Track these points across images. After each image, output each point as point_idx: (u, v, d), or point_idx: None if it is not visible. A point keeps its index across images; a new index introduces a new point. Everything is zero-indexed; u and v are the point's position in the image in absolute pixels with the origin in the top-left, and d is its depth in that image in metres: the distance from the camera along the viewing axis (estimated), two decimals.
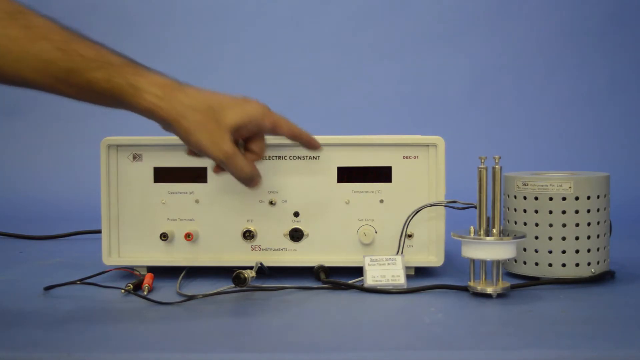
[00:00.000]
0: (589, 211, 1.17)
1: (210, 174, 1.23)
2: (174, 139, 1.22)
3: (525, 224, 1.19)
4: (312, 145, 1.13)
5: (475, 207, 1.12)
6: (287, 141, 1.22)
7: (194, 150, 1.01)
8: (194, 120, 0.97)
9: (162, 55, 2.27)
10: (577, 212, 1.17)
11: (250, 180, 1.05)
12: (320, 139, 1.22)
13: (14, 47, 0.90)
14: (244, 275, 1.12)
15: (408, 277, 1.17)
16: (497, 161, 1.10)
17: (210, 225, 1.23)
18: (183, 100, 0.97)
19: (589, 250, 1.18)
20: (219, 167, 1.05)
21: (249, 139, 1.08)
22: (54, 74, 0.92)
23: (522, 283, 1.16)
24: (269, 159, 1.22)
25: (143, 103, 0.95)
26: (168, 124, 0.98)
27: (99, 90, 0.93)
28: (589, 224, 1.18)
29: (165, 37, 2.29)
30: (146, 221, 1.24)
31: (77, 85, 0.93)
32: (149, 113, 0.96)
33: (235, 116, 1.01)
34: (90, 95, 0.95)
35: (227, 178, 1.22)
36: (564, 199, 1.17)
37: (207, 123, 0.98)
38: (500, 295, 1.09)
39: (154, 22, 2.29)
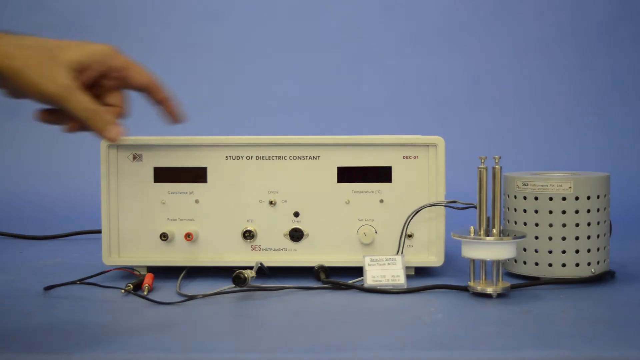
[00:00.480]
0: (589, 211, 1.17)
1: (210, 174, 1.22)
2: (174, 139, 1.23)
3: (525, 224, 1.19)
4: (172, 111, 0.99)
5: (475, 207, 1.12)
6: (288, 142, 1.23)
7: (27, 93, 0.87)
8: (24, 57, 0.85)
9: (159, 53, 2.26)
10: (577, 212, 1.17)
11: (102, 118, 0.91)
12: (320, 139, 1.23)
13: None
14: (244, 275, 1.12)
15: (408, 277, 1.17)
16: (497, 161, 1.10)
17: (210, 225, 1.23)
18: (11, 41, 0.86)
19: (589, 250, 1.18)
20: (57, 114, 0.92)
21: (103, 93, 0.96)
22: None
23: (522, 283, 1.16)
24: (269, 159, 1.22)
25: None
26: None
27: None
28: (589, 224, 1.18)
29: (164, 36, 2.28)
30: (146, 221, 1.24)
31: None
32: None
33: (75, 53, 0.90)
34: None
35: (227, 178, 1.22)
36: (564, 199, 1.17)
37: (40, 59, 0.86)
38: (500, 295, 1.09)
39: (151, 20, 2.29)
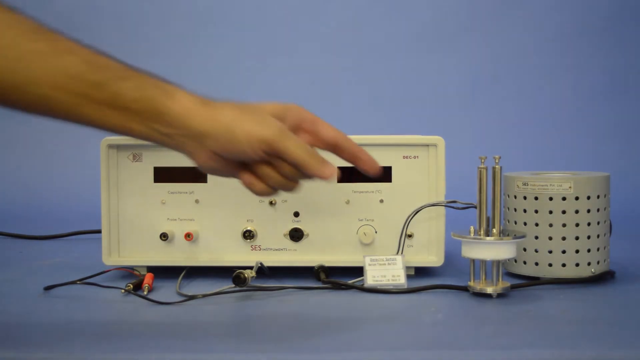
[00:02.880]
0: (589, 211, 1.17)
1: (210, 174, 1.22)
2: None
3: (525, 224, 1.19)
4: (369, 164, 0.96)
5: (475, 207, 1.12)
6: None
7: (243, 144, 0.87)
8: (233, 113, 0.88)
9: (161, 54, 2.26)
10: (577, 212, 1.17)
11: (320, 158, 0.90)
12: None
13: (40, 61, 0.84)
14: (244, 275, 1.12)
15: (408, 277, 1.17)
16: (497, 161, 1.10)
17: (210, 225, 1.23)
18: (216, 104, 0.89)
19: (589, 250, 1.18)
20: (271, 167, 0.90)
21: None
22: (78, 90, 0.85)
23: (522, 283, 1.16)
24: None
25: (177, 107, 0.86)
26: (204, 133, 0.87)
27: (127, 101, 0.86)
28: (589, 224, 1.18)
29: (164, 36, 2.28)
30: (146, 221, 1.24)
31: (103, 101, 0.86)
32: (183, 118, 0.86)
33: (270, 106, 0.92)
34: (112, 114, 0.86)
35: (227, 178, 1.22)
36: (564, 199, 1.17)
37: (247, 112, 0.88)
38: (500, 295, 1.09)
39: (151, 21, 2.29)
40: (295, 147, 0.89)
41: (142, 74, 0.88)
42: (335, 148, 0.96)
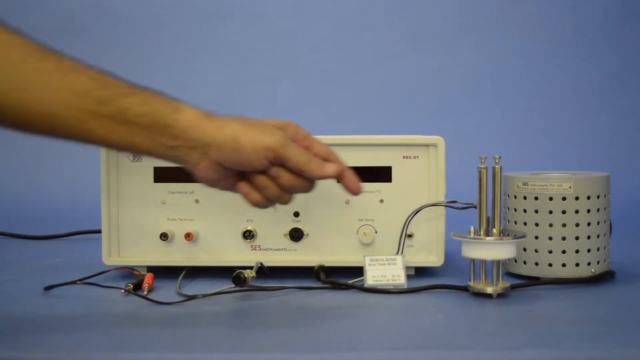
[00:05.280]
0: (589, 211, 1.17)
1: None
2: None
3: (525, 224, 1.19)
4: (352, 185, 0.99)
5: (475, 207, 1.12)
6: None
7: (248, 152, 0.91)
8: (238, 126, 0.92)
9: (160, 53, 2.27)
10: (577, 212, 1.17)
11: (312, 159, 0.94)
12: (320, 139, 1.22)
13: (46, 80, 0.86)
14: (244, 275, 1.12)
15: (408, 277, 1.17)
16: (497, 161, 1.10)
17: (210, 225, 1.23)
18: (221, 117, 0.93)
19: (589, 250, 1.18)
20: (269, 178, 0.94)
21: None
22: (84, 106, 0.87)
23: (522, 283, 1.16)
24: None
25: (183, 120, 0.90)
26: (209, 143, 0.90)
27: (134, 116, 0.88)
28: (589, 224, 1.18)
29: (164, 36, 2.28)
30: (146, 221, 1.24)
31: (109, 116, 0.88)
32: (188, 130, 0.90)
33: (271, 120, 0.97)
34: (118, 129, 0.89)
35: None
36: (564, 199, 1.17)
37: (251, 125, 0.93)
38: (500, 295, 1.09)
39: (151, 21, 2.29)
40: (298, 154, 0.93)
41: (148, 90, 0.91)
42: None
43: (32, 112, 0.87)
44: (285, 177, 0.94)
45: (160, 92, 0.92)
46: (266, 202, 0.96)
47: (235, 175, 0.95)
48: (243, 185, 0.95)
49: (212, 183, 0.95)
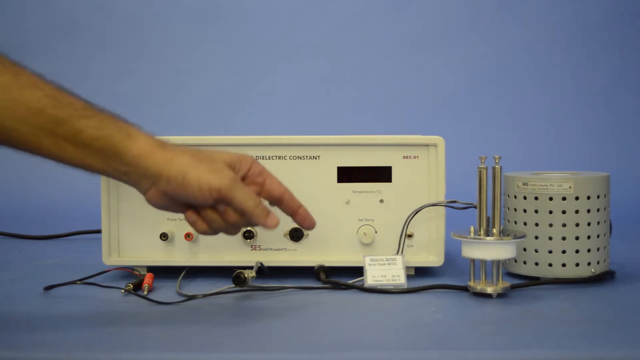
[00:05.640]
0: (589, 211, 1.17)
1: None
2: (174, 139, 1.22)
3: (525, 224, 1.19)
4: (306, 220, 1.02)
5: (475, 207, 1.12)
6: (288, 142, 1.23)
7: (194, 190, 0.92)
8: (189, 159, 0.93)
9: (160, 53, 2.27)
10: (577, 212, 1.17)
11: (265, 210, 0.96)
12: (320, 139, 1.23)
13: (2, 93, 0.87)
14: (244, 275, 1.12)
15: (408, 277, 1.17)
16: (497, 161, 1.10)
17: None
18: (173, 148, 0.93)
19: (589, 250, 1.18)
20: (216, 212, 0.96)
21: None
22: (39, 124, 0.88)
23: (522, 283, 1.16)
24: (269, 159, 1.22)
25: (135, 148, 0.90)
26: (158, 174, 0.91)
27: (88, 139, 0.89)
28: (589, 224, 1.18)
29: (164, 36, 2.28)
30: (146, 221, 1.24)
31: (63, 136, 0.89)
32: (139, 159, 0.91)
33: (225, 155, 0.97)
34: (74, 148, 0.90)
35: None
36: (564, 199, 1.17)
37: (201, 159, 0.94)
38: (500, 295, 1.09)
39: (151, 21, 2.29)
40: (244, 198, 0.94)
41: (104, 114, 0.91)
42: (278, 201, 1.01)
43: None
44: (231, 215, 0.95)
45: (116, 115, 0.92)
46: (213, 232, 0.98)
47: (184, 204, 0.96)
48: (190, 215, 0.97)
49: (161, 208, 0.97)
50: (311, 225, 1.03)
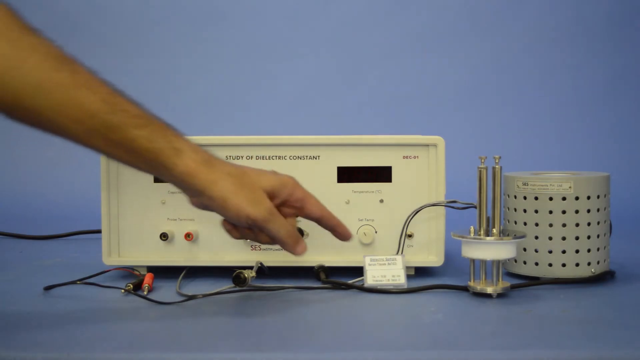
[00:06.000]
0: (589, 211, 1.17)
1: None
2: None
3: (525, 224, 1.19)
4: (344, 234, 1.09)
5: (475, 207, 1.12)
6: (288, 142, 1.23)
7: (232, 215, 0.98)
8: (231, 184, 0.97)
9: (161, 53, 2.27)
10: (577, 212, 1.17)
11: (296, 239, 1.02)
12: (320, 139, 1.23)
13: (59, 92, 0.88)
14: (244, 275, 1.12)
15: (408, 277, 1.17)
16: (497, 161, 1.10)
17: (210, 225, 1.23)
18: (219, 166, 0.97)
19: (589, 250, 1.18)
20: (251, 231, 1.02)
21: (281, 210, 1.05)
22: (92, 126, 0.90)
23: (522, 283, 1.16)
24: (270, 158, 1.22)
25: (182, 165, 0.94)
26: (201, 192, 0.96)
27: (138, 148, 0.92)
28: (589, 224, 1.18)
29: (165, 36, 2.28)
30: (146, 221, 1.24)
31: (116, 142, 0.91)
32: (185, 176, 0.95)
33: (268, 180, 1.01)
34: (124, 153, 0.93)
35: None
36: (564, 199, 1.17)
37: (243, 186, 0.98)
38: (500, 295, 1.09)
39: (152, 21, 2.29)
40: (278, 229, 1.00)
41: (155, 123, 0.94)
42: (319, 221, 1.07)
43: (43, 118, 0.90)
44: (264, 238, 1.03)
45: (167, 125, 0.95)
46: (245, 240, 1.08)
47: None
48: (227, 224, 1.04)
49: (202, 209, 1.02)
50: (348, 238, 1.09)
